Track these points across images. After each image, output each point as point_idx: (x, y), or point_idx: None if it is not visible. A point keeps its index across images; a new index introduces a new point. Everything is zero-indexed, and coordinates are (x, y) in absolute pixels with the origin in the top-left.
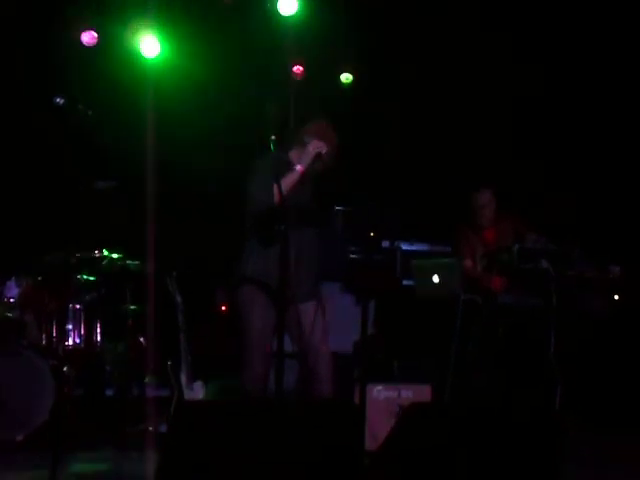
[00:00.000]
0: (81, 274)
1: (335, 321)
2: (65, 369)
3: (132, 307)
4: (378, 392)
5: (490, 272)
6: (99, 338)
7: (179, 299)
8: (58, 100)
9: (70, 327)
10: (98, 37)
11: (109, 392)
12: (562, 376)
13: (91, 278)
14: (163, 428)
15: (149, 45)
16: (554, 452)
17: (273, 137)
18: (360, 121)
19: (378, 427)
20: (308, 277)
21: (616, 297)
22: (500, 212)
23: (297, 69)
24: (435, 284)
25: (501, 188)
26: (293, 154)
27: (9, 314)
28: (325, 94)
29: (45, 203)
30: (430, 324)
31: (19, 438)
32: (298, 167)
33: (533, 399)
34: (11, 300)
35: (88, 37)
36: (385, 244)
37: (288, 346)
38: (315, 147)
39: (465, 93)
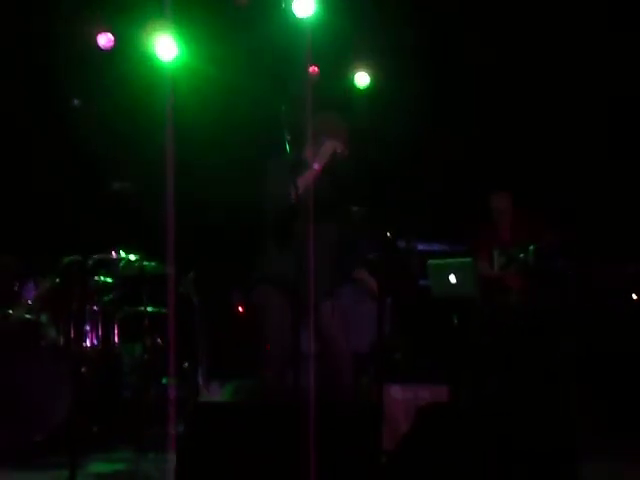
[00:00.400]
0: (98, 275)
1: (352, 321)
2: (82, 370)
3: (149, 308)
4: (395, 392)
5: (507, 271)
6: (116, 339)
7: (196, 300)
8: (75, 102)
9: (87, 328)
10: (114, 40)
11: (126, 393)
12: (579, 376)
13: (108, 280)
14: (181, 429)
15: (166, 48)
16: (569, 453)
17: (288, 137)
18: (376, 121)
19: (395, 427)
20: (326, 276)
21: (634, 296)
22: (518, 213)
23: (312, 70)
24: (452, 284)
25: (520, 190)
26: (308, 152)
27: (27, 315)
28: (341, 95)
29: (62, 205)
30: (447, 323)
31: (37, 439)
32: (315, 165)
33: (550, 399)
34: (29, 302)
35: (104, 40)
36: (401, 244)
37: (307, 346)
38: (331, 146)
39: (482, 94)
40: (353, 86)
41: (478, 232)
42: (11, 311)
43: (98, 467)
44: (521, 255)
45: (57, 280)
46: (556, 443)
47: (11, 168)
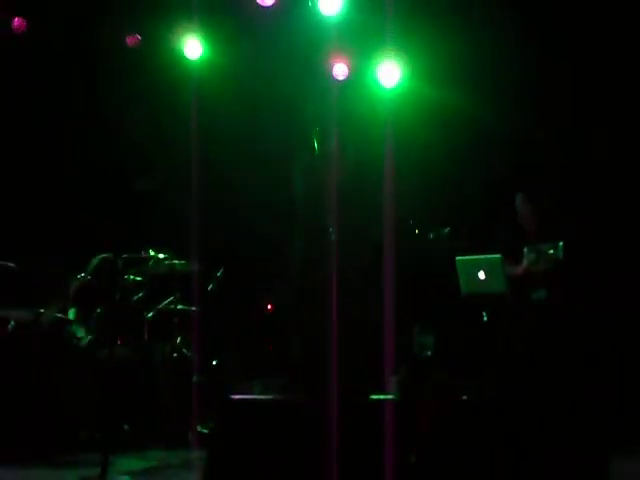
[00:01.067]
0: (128, 274)
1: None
2: (113, 369)
3: (179, 306)
4: (423, 390)
5: (537, 267)
6: (146, 338)
7: (224, 298)
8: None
9: (118, 326)
10: (142, 40)
11: (156, 391)
12: (609, 374)
13: (138, 278)
14: (210, 426)
15: (192, 47)
16: (600, 450)
17: (316, 136)
18: (404, 118)
19: (424, 425)
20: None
21: None
22: (544, 212)
23: (339, 69)
24: (481, 280)
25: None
26: (334, 151)
27: (58, 314)
28: (369, 93)
29: (93, 204)
30: (476, 320)
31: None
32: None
33: (579, 396)
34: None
35: (132, 40)
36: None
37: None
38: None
39: (510, 90)
40: (380, 85)
41: (503, 231)
42: (42, 310)
43: (129, 464)
44: (551, 251)
45: (88, 278)
46: (586, 440)
47: (35, 166)
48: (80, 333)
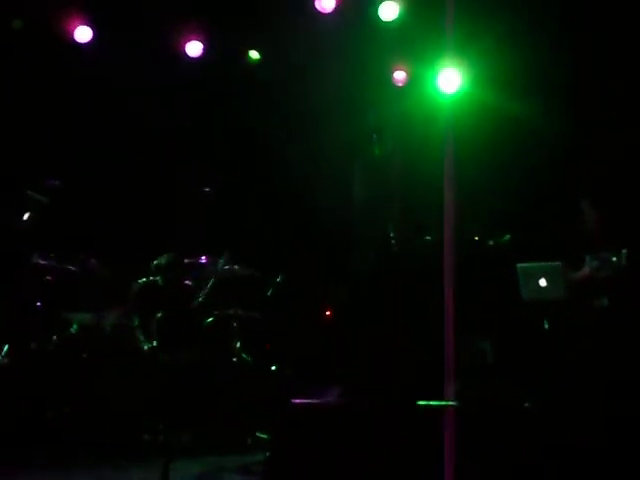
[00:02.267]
0: (188, 278)
1: None
2: (171, 374)
3: (239, 311)
4: (484, 397)
5: (599, 274)
6: (206, 342)
7: (284, 304)
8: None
9: (178, 330)
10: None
11: (214, 397)
12: None
13: (198, 282)
14: (270, 431)
15: (254, 55)
16: None
17: (376, 141)
18: (465, 125)
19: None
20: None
21: None
22: (607, 218)
23: (399, 75)
24: (541, 287)
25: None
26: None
27: (120, 319)
28: (428, 99)
29: (154, 208)
30: (537, 328)
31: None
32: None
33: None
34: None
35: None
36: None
37: None
38: None
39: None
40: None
41: (566, 237)
42: (105, 314)
43: (188, 468)
44: (614, 259)
45: (151, 278)
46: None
47: (101, 173)
48: (142, 338)
